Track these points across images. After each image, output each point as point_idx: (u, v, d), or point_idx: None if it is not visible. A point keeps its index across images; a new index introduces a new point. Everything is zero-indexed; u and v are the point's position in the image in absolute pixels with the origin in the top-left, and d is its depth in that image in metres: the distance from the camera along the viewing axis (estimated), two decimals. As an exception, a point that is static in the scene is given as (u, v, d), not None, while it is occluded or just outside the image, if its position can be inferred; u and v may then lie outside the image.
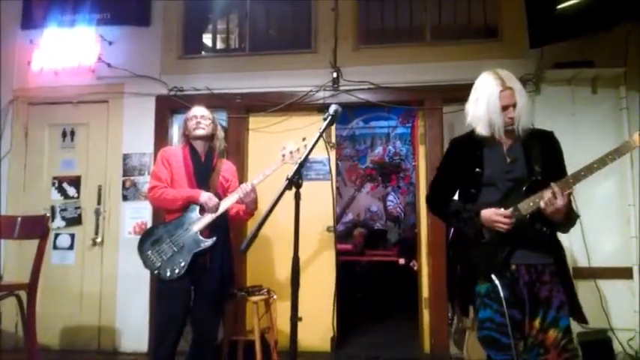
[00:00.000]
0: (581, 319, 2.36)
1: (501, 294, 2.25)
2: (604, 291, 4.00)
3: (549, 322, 2.28)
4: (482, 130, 2.41)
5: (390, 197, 8.74)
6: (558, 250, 2.39)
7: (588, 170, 2.17)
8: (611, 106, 4.19)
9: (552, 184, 2.20)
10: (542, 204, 2.21)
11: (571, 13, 3.72)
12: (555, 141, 2.47)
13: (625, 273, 4.02)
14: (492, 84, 2.37)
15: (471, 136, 2.51)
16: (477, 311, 2.43)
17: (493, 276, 2.30)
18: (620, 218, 4.10)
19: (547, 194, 2.20)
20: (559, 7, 3.77)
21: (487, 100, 2.36)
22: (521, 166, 2.38)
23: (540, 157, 2.37)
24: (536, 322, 2.30)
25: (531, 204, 2.26)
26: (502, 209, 2.31)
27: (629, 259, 4.04)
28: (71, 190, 4.86)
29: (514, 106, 2.34)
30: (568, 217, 2.29)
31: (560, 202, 2.17)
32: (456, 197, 2.59)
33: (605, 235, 4.09)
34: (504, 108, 2.34)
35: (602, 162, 2.17)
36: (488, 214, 2.33)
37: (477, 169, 2.43)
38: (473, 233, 2.39)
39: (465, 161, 2.50)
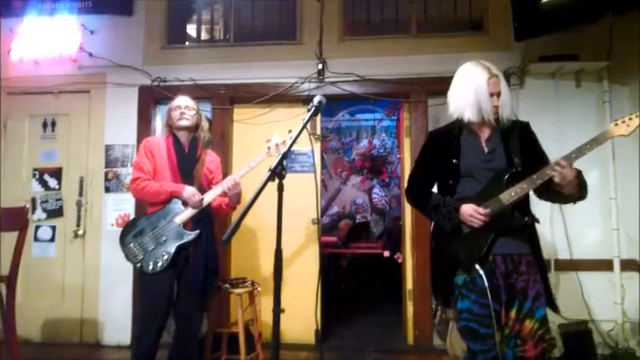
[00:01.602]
0: (554, 308, 2.41)
1: (486, 284, 2.27)
2: (585, 283, 4.05)
3: (525, 313, 2.30)
4: (470, 115, 2.40)
5: (376, 190, 8.76)
6: (535, 240, 2.42)
7: (566, 159, 2.23)
8: (594, 100, 4.22)
9: (556, 160, 2.25)
10: (556, 179, 2.23)
11: (555, 6, 3.74)
12: (531, 131, 2.51)
13: (606, 265, 4.06)
14: (480, 71, 2.40)
15: (448, 128, 2.55)
16: (455, 302, 2.45)
17: (477, 266, 2.32)
18: (602, 211, 4.14)
19: (554, 171, 2.23)
20: (543, 0, 3.78)
21: (475, 87, 2.38)
22: (500, 156, 2.41)
23: (518, 147, 2.40)
24: (512, 313, 2.32)
25: (512, 194, 2.29)
26: (480, 205, 2.34)
27: (610, 251, 4.08)
28: (52, 182, 4.79)
29: (498, 94, 2.37)
30: (581, 186, 2.32)
31: (570, 172, 2.22)
32: (435, 189, 2.62)
33: (586, 227, 4.14)
34: (491, 95, 2.37)
35: (579, 151, 2.23)
36: (467, 210, 2.35)
37: (454, 160, 2.46)
38: (451, 228, 2.41)
39: (442, 153, 2.53)
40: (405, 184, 4.53)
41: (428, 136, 2.72)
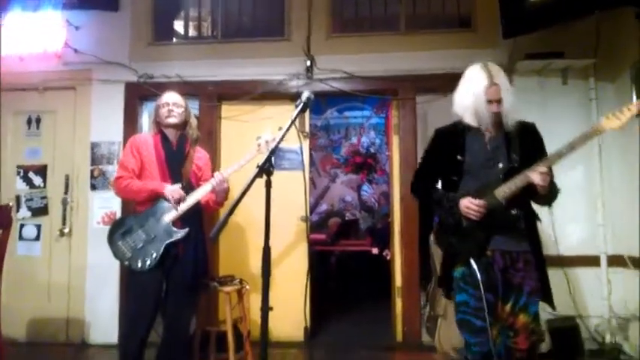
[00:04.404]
0: (550, 303, 2.50)
1: (479, 278, 2.36)
2: (572, 279, 4.07)
3: (520, 307, 2.42)
4: (469, 119, 2.51)
5: (364, 187, 8.77)
6: (535, 238, 2.50)
7: (558, 156, 2.29)
8: (580, 97, 4.24)
9: (540, 162, 2.31)
10: (538, 181, 2.28)
11: (542, 3, 3.75)
12: (536, 132, 2.59)
13: (593, 261, 4.10)
14: (480, 78, 2.46)
15: (455, 125, 2.63)
16: (454, 295, 2.56)
17: (471, 260, 2.41)
18: (588, 207, 4.17)
19: (536, 173, 2.28)
20: (531, -2, 3.80)
21: (474, 93, 2.45)
22: (502, 155, 2.49)
23: (519, 146, 2.48)
24: (508, 307, 2.44)
25: (506, 190, 2.37)
26: (477, 199, 2.40)
27: (596, 247, 4.12)
28: (37, 180, 4.73)
29: (499, 101, 2.43)
30: (552, 189, 2.43)
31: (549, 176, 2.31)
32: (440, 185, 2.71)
33: (573, 223, 4.17)
34: (489, 102, 2.43)
35: (570, 147, 2.27)
36: (463, 202, 2.43)
37: (459, 157, 2.55)
38: (453, 222, 2.50)
39: (447, 149, 2.61)
40: (396, 182, 4.61)
41: (434, 134, 2.77)
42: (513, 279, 2.42)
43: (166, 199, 3.05)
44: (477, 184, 2.48)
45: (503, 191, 2.37)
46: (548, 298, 2.48)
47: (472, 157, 2.53)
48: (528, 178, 2.30)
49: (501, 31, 4.06)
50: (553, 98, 4.25)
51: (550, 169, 2.36)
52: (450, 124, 2.67)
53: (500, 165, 2.46)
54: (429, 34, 4.58)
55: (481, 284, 2.34)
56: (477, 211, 2.39)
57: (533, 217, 2.54)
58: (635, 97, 3.77)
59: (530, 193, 2.39)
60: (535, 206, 2.58)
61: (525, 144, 2.48)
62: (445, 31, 4.61)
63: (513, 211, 2.43)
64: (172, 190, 3.04)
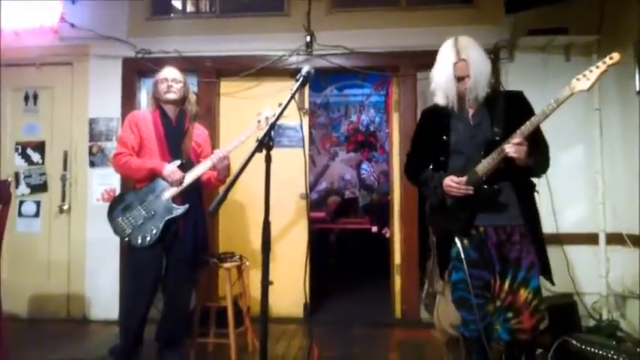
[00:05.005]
0: (549, 278, 2.43)
1: (462, 255, 2.34)
2: (571, 256, 4.08)
3: (519, 282, 2.35)
4: (439, 99, 2.48)
5: (364, 165, 8.75)
6: (531, 211, 2.44)
7: (531, 124, 2.24)
8: (583, 75, 4.19)
9: (515, 134, 2.24)
10: (512, 153, 2.23)
11: (546, -22, 3.70)
12: (523, 100, 2.50)
13: (591, 239, 4.10)
14: (448, 54, 2.41)
15: (439, 105, 2.55)
16: (450, 274, 2.52)
17: (456, 238, 2.39)
18: (588, 186, 4.16)
19: (510, 145, 2.23)
20: (535, -28, 3.73)
21: (442, 72, 2.42)
22: (485, 130, 2.43)
23: (503, 118, 2.40)
24: (506, 284, 2.37)
25: (486, 165, 2.33)
26: (457, 176, 2.37)
27: (595, 225, 4.11)
28: (35, 156, 4.71)
29: (469, 76, 2.37)
30: (534, 160, 2.33)
31: (523, 147, 2.23)
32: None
33: (572, 202, 4.16)
34: (459, 79, 2.38)
35: (543, 114, 2.23)
36: (445, 181, 2.41)
37: (444, 137, 2.50)
38: (437, 202, 2.49)
39: (433, 130, 2.56)
40: (396, 160, 4.60)
41: (420, 115, 2.74)
42: (510, 253, 2.37)
43: (165, 180, 3.04)
44: (463, 162, 2.44)
45: (483, 166, 2.33)
46: (547, 274, 2.41)
47: (457, 136, 2.48)
48: (504, 151, 2.26)
49: (504, 6, 4.00)
50: (555, 75, 4.19)
51: (540, 138, 2.35)
52: (434, 103, 2.60)
53: (485, 140, 2.39)
54: (430, 9, 4.51)
55: (464, 261, 2.33)
56: (458, 189, 2.36)
57: (529, 190, 2.47)
58: (637, 75, 3.73)
59: (514, 165, 2.31)
60: (534, 179, 2.53)
61: (511, 115, 2.38)
62: (446, 6, 4.53)
63: (486, 186, 2.35)
64: (171, 170, 3.02)
